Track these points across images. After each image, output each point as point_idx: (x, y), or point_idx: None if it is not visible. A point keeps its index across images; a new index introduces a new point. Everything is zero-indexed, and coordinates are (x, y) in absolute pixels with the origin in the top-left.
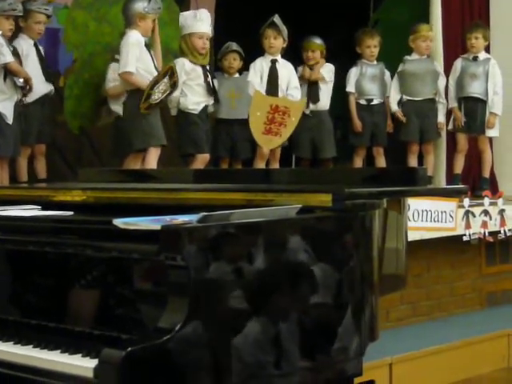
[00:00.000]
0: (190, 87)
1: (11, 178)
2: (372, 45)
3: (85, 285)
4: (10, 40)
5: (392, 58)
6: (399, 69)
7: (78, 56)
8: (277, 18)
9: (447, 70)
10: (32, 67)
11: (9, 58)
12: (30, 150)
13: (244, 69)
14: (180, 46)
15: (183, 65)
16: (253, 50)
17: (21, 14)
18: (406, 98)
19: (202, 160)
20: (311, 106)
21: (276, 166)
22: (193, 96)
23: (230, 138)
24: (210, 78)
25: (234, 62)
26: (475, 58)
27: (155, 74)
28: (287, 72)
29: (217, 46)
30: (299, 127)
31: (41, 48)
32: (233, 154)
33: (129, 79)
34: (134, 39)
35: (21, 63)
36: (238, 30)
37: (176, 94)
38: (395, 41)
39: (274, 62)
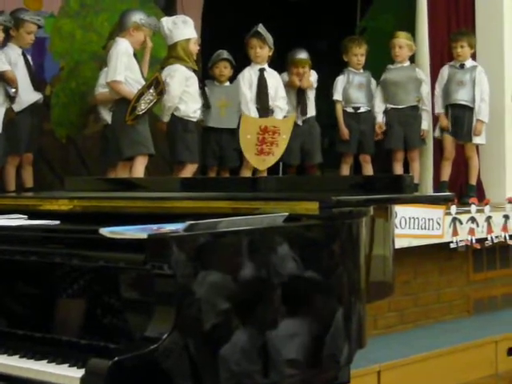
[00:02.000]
0: (189, 94)
1: None
2: (359, 53)
3: (72, 294)
4: None
5: (378, 66)
6: (382, 78)
7: (65, 64)
8: (261, 28)
9: (434, 78)
10: (20, 76)
11: (6, 66)
12: (19, 159)
13: (233, 77)
14: (174, 52)
15: (184, 72)
16: (240, 58)
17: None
18: (389, 106)
19: (191, 169)
20: (301, 117)
21: (263, 174)
22: (192, 103)
23: (218, 146)
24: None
25: (224, 70)
26: (462, 66)
27: (143, 83)
28: (275, 81)
29: (204, 53)
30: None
31: (29, 57)
32: (221, 163)
33: (117, 88)
34: (123, 47)
35: None
36: (225, 38)
37: (172, 102)
38: (381, 49)
39: (261, 71)
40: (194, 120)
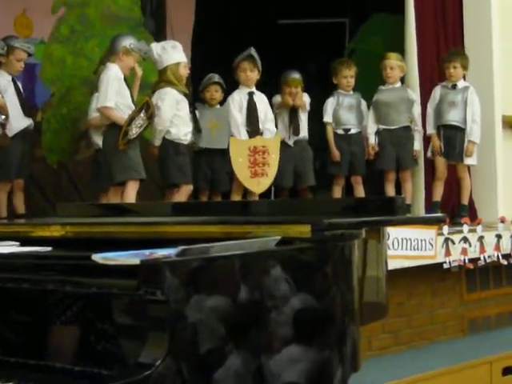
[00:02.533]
0: (180, 118)
1: None
2: (348, 75)
3: (65, 321)
4: None
5: (368, 87)
6: (374, 99)
7: (56, 90)
8: (253, 51)
9: (423, 98)
10: (10, 102)
11: None
12: (10, 185)
13: (223, 100)
14: (165, 76)
15: (174, 95)
16: (231, 82)
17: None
18: (381, 127)
19: (186, 190)
20: (293, 137)
21: (255, 197)
22: (183, 126)
23: (210, 169)
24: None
25: (215, 93)
26: (454, 86)
27: (133, 108)
28: (264, 104)
29: (194, 77)
30: (282, 157)
31: (19, 83)
32: (212, 187)
33: (107, 114)
34: (114, 73)
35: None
36: (215, 62)
37: (163, 125)
38: (371, 70)
39: (250, 94)
40: (185, 143)
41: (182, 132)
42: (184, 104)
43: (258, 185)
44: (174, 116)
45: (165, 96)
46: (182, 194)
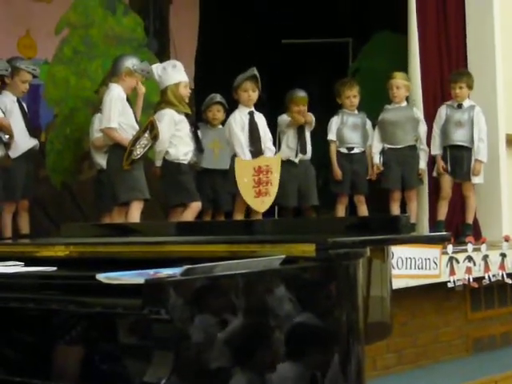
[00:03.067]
0: (179, 138)
1: None
2: (351, 95)
3: (69, 340)
4: None
5: (372, 106)
6: (379, 118)
7: (59, 111)
8: (255, 71)
9: (427, 117)
10: (15, 123)
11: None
12: (15, 205)
13: (225, 120)
14: (165, 97)
15: (172, 116)
16: (233, 101)
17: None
18: (387, 146)
19: (195, 208)
20: (300, 156)
21: (258, 216)
22: (183, 146)
23: (212, 189)
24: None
25: (218, 113)
26: (460, 106)
27: (137, 128)
28: (263, 123)
29: (197, 97)
30: (287, 177)
31: (24, 104)
32: (215, 206)
33: (111, 135)
34: (116, 93)
35: None
36: (218, 81)
37: (162, 146)
38: (374, 89)
39: (251, 114)
40: (186, 162)
41: (181, 152)
42: (184, 124)
43: (262, 204)
44: (173, 136)
45: (163, 117)
46: (191, 212)
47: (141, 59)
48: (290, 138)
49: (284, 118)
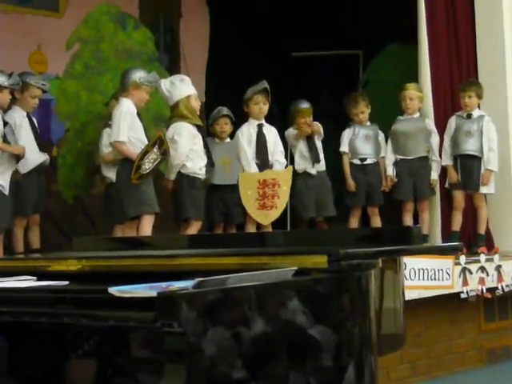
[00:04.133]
0: (195, 152)
1: (5, 248)
2: (358, 112)
3: (82, 354)
4: (4, 111)
5: (382, 117)
6: (392, 129)
7: (70, 126)
8: (266, 84)
9: (438, 128)
10: (25, 138)
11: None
12: (26, 220)
13: (232, 133)
14: (177, 111)
15: (190, 130)
16: (241, 114)
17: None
18: (399, 157)
19: (197, 226)
20: (316, 166)
21: (269, 228)
22: (198, 160)
23: (223, 203)
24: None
25: (225, 126)
26: (469, 116)
27: (146, 142)
28: (273, 136)
29: (208, 110)
30: (304, 188)
31: (34, 119)
32: (227, 219)
33: (120, 148)
34: (126, 107)
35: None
36: (229, 95)
37: (180, 160)
38: (385, 101)
39: (260, 126)
40: (201, 177)
41: (197, 166)
42: (198, 138)
43: (266, 217)
44: (190, 150)
45: (181, 130)
46: (193, 228)
47: (148, 70)
48: (302, 150)
49: (291, 132)
